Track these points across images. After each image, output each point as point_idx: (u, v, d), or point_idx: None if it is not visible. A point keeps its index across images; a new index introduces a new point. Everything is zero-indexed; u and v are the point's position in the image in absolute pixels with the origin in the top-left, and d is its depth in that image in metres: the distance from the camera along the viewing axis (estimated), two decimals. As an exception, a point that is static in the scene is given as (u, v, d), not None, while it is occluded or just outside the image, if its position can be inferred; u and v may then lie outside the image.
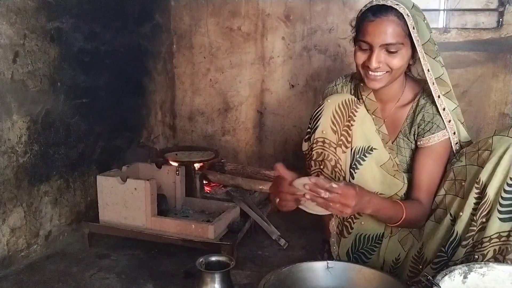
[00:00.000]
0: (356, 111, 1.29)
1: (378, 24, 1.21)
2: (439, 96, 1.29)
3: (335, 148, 1.29)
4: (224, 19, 2.47)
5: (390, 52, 1.22)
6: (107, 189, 1.69)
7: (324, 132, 1.29)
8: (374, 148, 1.30)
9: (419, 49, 1.24)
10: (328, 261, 1.23)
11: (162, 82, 2.50)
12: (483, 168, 1.13)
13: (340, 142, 1.29)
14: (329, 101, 1.30)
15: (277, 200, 1.17)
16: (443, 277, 0.93)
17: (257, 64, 2.47)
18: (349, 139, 1.29)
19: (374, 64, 1.22)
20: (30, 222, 1.62)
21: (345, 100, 1.29)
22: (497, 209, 1.09)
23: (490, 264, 1.00)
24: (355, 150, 1.29)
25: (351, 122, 1.28)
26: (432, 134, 1.30)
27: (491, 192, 1.10)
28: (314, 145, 1.31)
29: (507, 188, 1.08)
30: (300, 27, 2.36)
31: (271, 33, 2.41)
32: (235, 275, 1.49)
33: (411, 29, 1.21)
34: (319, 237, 1.65)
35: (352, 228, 1.34)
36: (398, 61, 1.23)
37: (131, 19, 2.16)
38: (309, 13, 2.33)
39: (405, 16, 1.20)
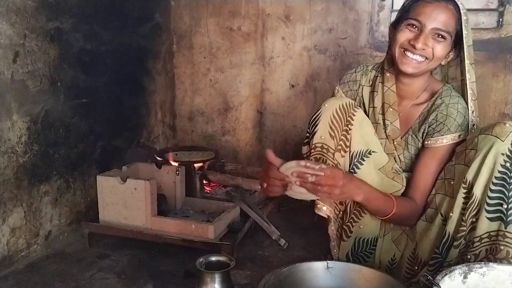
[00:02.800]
0: (354, 115, 1.28)
1: (436, 7, 1.23)
2: (472, 99, 1.30)
3: (333, 154, 1.29)
4: (224, 19, 2.47)
5: (437, 38, 1.23)
6: (107, 189, 1.69)
7: (322, 137, 1.29)
8: (373, 151, 1.30)
9: (465, 47, 1.27)
10: (328, 261, 1.24)
11: (162, 82, 2.50)
12: (469, 167, 1.13)
13: (339, 147, 1.29)
14: (326, 105, 1.30)
15: (265, 185, 1.19)
16: (443, 277, 0.93)
17: (257, 64, 2.47)
18: (348, 144, 1.28)
19: (420, 44, 1.22)
20: (30, 222, 1.62)
21: (342, 104, 1.29)
22: (485, 208, 1.09)
23: (490, 264, 0.99)
24: (353, 154, 1.29)
25: (349, 126, 1.28)
26: (441, 135, 1.29)
27: (478, 191, 1.11)
28: (313, 150, 1.31)
29: (493, 187, 1.08)
30: (300, 27, 2.35)
31: (271, 33, 2.41)
32: (235, 275, 1.49)
33: (463, 24, 1.24)
34: (319, 237, 1.65)
35: (351, 232, 1.34)
36: (441, 50, 1.24)
37: (131, 19, 2.16)
38: (309, 13, 2.33)
39: (461, 11, 1.23)
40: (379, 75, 1.42)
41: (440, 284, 0.90)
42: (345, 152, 1.29)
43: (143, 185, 1.63)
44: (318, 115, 1.31)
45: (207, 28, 2.51)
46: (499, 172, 1.07)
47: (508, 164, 1.06)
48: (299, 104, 2.44)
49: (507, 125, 1.09)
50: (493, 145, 1.08)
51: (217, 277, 1.18)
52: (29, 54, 1.57)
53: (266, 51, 2.44)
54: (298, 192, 1.17)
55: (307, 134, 1.35)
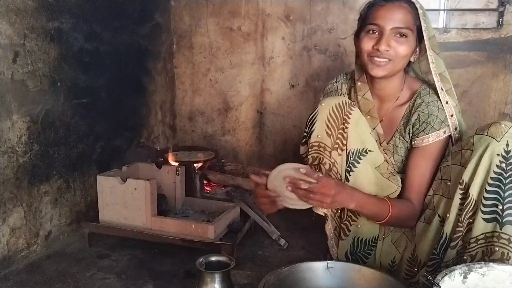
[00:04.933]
0: (350, 113, 1.28)
1: (391, 8, 1.25)
2: (442, 89, 1.30)
3: (330, 152, 1.29)
4: (224, 19, 2.47)
5: (399, 38, 1.25)
6: (107, 189, 1.69)
7: (319, 136, 1.30)
8: (369, 150, 1.30)
9: (426, 39, 1.27)
10: (328, 261, 1.24)
11: (162, 82, 2.50)
12: (465, 168, 1.13)
13: (336, 146, 1.29)
14: (323, 104, 1.30)
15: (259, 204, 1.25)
16: (443, 277, 0.94)
17: (257, 64, 2.47)
18: (344, 142, 1.29)
19: (383, 46, 1.23)
20: (30, 222, 1.62)
21: (339, 103, 1.29)
22: (481, 209, 1.09)
23: (490, 264, 0.99)
24: (349, 152, 1.29)
25: (346, 124, 1.28)
26: (426, 134, 1.30)
27: (474, 192, 1.10)
28: (310, 149, 1.32)
29: (489, 188, 1.08)
30: (300, 27, 2.36)
31: (271, 33, 2.41)
32: (235, 275, 1.49)
33: (421, 18, 1.25)
34: (319, 237, 1.65)
35: (349, 231, 1.34)
36: (405, 48, 1.26)
37: (131, 19, 2.16)
38: (309, 13, 2.33)
39: (417, 5, 1.25)
40: (353, 85, 1.43)
41: (440, 284, 0.91)
42: (342, 150, 1.29)
43: (143, 185, 1.63)
44: (315, 114, 1.31)
45: (207, 28, 2.51)
46: (495, 172, 1.07)
47: (503, 165, 1.06)
48: (299, 104, 2.44)
49: (503, 125, 1.09)
50: (489, 146, 1.08)
51: (217, 277, 1.18)
52: (29, 54, 1.57)
53: (266, 51, 2.44)
54: (290, 200, 1.21)
55: (305, 134, 1.35)
